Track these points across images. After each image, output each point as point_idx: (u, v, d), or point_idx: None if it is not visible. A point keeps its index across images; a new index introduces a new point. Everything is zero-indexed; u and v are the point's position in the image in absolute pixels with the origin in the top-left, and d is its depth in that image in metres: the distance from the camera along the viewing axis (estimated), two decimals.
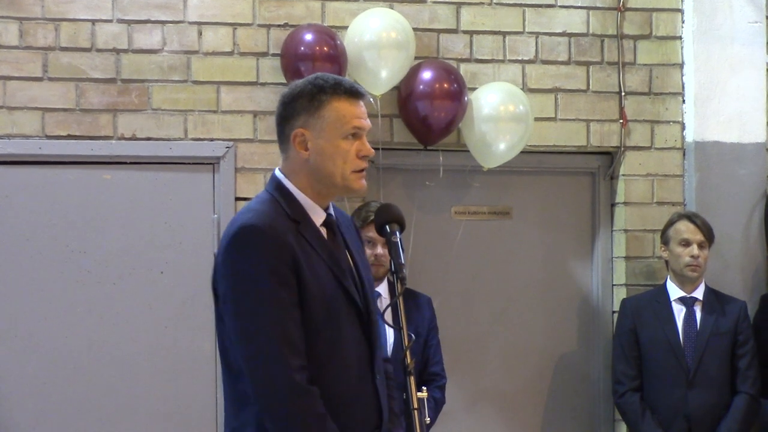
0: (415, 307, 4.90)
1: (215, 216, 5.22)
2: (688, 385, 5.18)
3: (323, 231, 3.05)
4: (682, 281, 5.29)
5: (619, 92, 5.64)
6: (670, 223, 5.34)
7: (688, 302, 5.29)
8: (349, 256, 3.09)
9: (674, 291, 5.31)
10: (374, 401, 3.02)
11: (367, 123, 3.04)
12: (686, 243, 5.26)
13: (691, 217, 5.30)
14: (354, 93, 3.02)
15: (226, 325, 2.95)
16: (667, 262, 5.37)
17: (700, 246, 5.26)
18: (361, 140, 3.01)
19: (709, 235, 5.28)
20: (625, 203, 5.66)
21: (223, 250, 2.94)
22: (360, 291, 3.06)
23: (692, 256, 5.24)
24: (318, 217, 3.04)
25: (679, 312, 5.28)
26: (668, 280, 5.35)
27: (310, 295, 2.91)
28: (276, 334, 2.83)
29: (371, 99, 5.16)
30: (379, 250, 4.75)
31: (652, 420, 5.18)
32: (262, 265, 2.86)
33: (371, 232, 4.60)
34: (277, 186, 3.03)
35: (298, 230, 2.97)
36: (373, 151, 3.05)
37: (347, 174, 3.00)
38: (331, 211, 3.10)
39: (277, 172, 3.06)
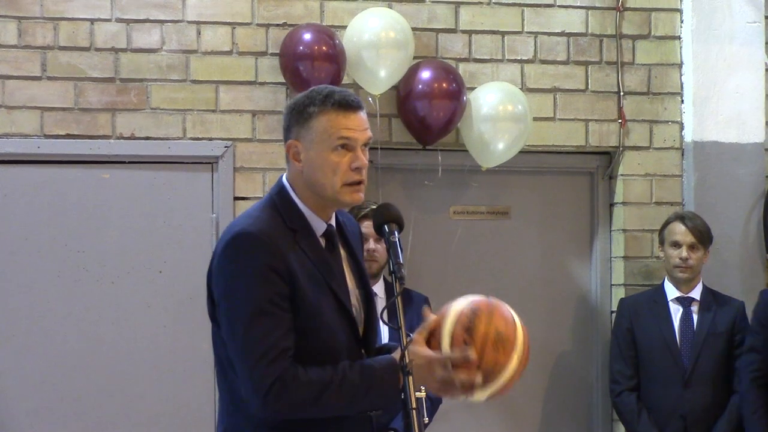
0: (409, 306, 4.90)
1: (214, 215, 5.22)
2: (685, 384, 5.18)
3: (322, 241, 3.05)
4: (677, 281, 5.30)
5: (618, 92, 5.64)
6: (666, 224, 5.34)
7: (685, 302, 5.30)
8: (348, 267, 3.09)
9: (671, 291, 5.31)
10: (365, 413, 3.02)
11: (359, 134, 2.99)
12: (676, 245, 5.26)
13: (684, 219, 5.28)
14: (344, 104, 2.98)
15: (221, 327, 2.99)
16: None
17: (691, 248, 5.24)
18: (355, 152, 2.99)
19: (702, 237, 5.25)
20: (624, 203, 5.66)
21: (218, 256, 2.99)
22: (360, 302, 3.08)
23: (681, 258, 5.24)
24: (318, 227, 3.04)
25: (676, 312, 5.29)
26: (666, 279, 5.35)
27: (304, 304, 2.93)
28: (262, 337, 2.87)
29: (370, 99, 5.16)
30: (372, 245, 4.76)
31: (649, 419, 5.19)
32: (253, 270, 2.90)
33: (364, 228, 4.60)
34: (279, 193, 3.05)
35: (295, 239, 2.97)
36: (365, 162, 3.01)
37: (337, 187, 2.98)
38: (333, 222, 3.09)
39: (283, 179, 3.08)
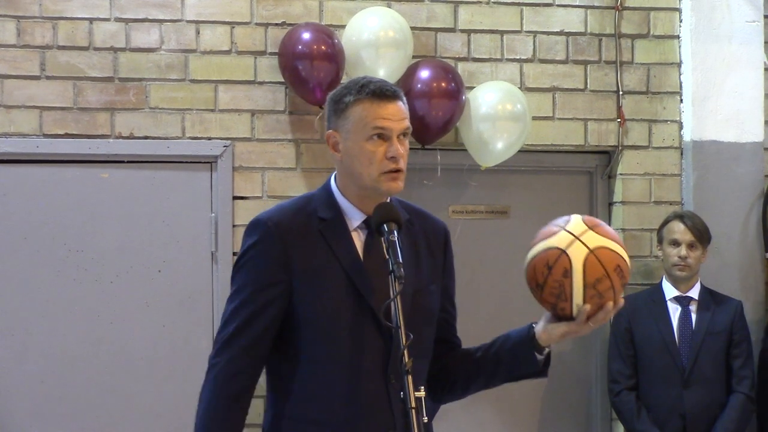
0: None
1: (213, 215, 5.22)
2: (684, 384, 5.19)
3: (361, 234, 3.05)
4: (675, 280, 5.31)
5: (617, 91, 5.65)
6: (665, 222, 5.36)
7: (683, 301, 5.30)
8: (392, 262, 3.00)
9: (669, 290, 5.32)
10: (385, 406, 3.01)
11: (395, 123, 2.99)
12: (675, 243, 5.27)
13: (683, 218, 5.30)
14: (379, 93, 3.00)
15: None
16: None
17: (690, 246, 5.26)
18: (391, 141, 2.99)
19: (701, 236, 5.27)
20: (623, 202, 5.66)
21: None
22: (395, 297, 2.99)
23: (680, 257, 5.25)
24: (354, 218, 3.05)
25: (675, 311, 5.30)
26: (664, 279, 5.36)
27: (311, 294, 2.96)
28: (230, 320, 2.99)
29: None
30: None
31: (648, 419, 5.19)
32: (250, 256, 3.00)
33: None
34: (324, 185, 3.12)
35: (320, 228, 3.01)
36: (401, 151, 3.00)
37: (375, 175, 2.99)
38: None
39: (333, 174, 3.14)
